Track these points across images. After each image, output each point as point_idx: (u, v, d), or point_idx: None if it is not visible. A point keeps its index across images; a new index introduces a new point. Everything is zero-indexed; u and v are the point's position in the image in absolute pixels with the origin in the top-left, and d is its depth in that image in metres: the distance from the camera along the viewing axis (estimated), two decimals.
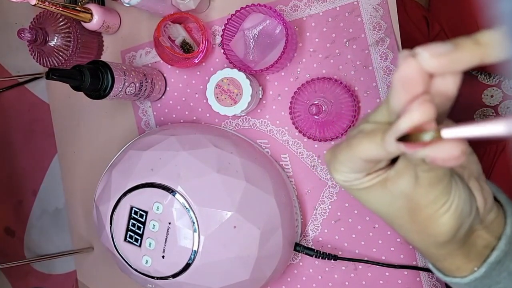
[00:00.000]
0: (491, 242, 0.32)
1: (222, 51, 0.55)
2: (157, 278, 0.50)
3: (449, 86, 0.25)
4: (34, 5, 0.51)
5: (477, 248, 0.32)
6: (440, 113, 0.25)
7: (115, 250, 0.53)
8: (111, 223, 0.52)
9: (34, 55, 0.62)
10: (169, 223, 0.49)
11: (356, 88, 0.55)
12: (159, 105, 0.65)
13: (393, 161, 0.29)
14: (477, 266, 0.32)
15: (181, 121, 0.64)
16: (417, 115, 0.23)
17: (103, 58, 0.68)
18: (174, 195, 0.49)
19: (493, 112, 0.78)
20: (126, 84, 0.55)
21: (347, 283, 0.57)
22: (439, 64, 0.23)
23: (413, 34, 0.74)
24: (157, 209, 0.49)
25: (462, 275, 0.32)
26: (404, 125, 0.23)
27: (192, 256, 0.48)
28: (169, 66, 0.64)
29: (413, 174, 0.27)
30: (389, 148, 0.25)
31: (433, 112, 0.23)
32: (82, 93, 0.53)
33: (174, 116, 0.65)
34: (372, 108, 0.55)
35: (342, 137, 0.55)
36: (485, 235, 0.32)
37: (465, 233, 0.30)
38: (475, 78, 0.80)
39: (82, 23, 0.62)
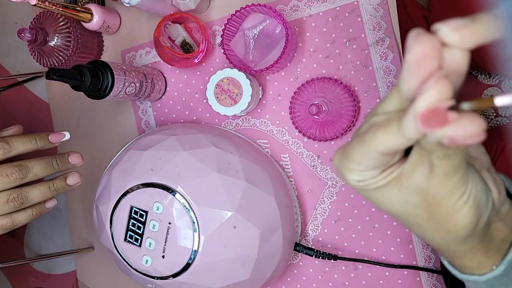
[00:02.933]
0: (508, 236, 0.31)
1: (222, 51, 0.55)
2: (157, 278, 0.50)
3: (460, 61, 0.24)
4: (34, 5, 0.51)
5: (495, 242, 0.31)
6: (454, 91, 0.24)
7: (115, 250, 0.53)
8: (111, 223, 0.52)
9: (34, 55, 0.62)
10: (169, 223, 0.49)
11: (356, 88, 0.55)
12: (159, 105, 0.65)
13: (407, 156, 0.28)
14: (496, 264, 0.31)
15: (181, 121, 0.64)
16: (435, 92, 0.22)
17: (103, 58, 0.68)
18: (174, 195, 0.49)
19: (493, 112, 0.79)
20: (126, 84, 0.55)
21: (347, 283, 0.57)
22: (461, 36, 0.23)
23: None
24: (157, 209, 0.49)
25: (482, 272, 0.32)
26: (422, 104, 0.22)
27: (192, 256, 0.48)
28: (169, 66, 0.64)
29: (428, 165, 0.27)
30: (408, 133, 0.24)
31: (451, 87, 0.22)
32: (82, 93, 0.53)
33: (174, 116, 0.65)
34: (372, 108, 0.55)
35: (342, 137, 0.55)
36: (502, 228, 0.31)
37: (484, 226, 0.30)
38: (475, 78, 0.80)
39: (82, 23, 0.62)
